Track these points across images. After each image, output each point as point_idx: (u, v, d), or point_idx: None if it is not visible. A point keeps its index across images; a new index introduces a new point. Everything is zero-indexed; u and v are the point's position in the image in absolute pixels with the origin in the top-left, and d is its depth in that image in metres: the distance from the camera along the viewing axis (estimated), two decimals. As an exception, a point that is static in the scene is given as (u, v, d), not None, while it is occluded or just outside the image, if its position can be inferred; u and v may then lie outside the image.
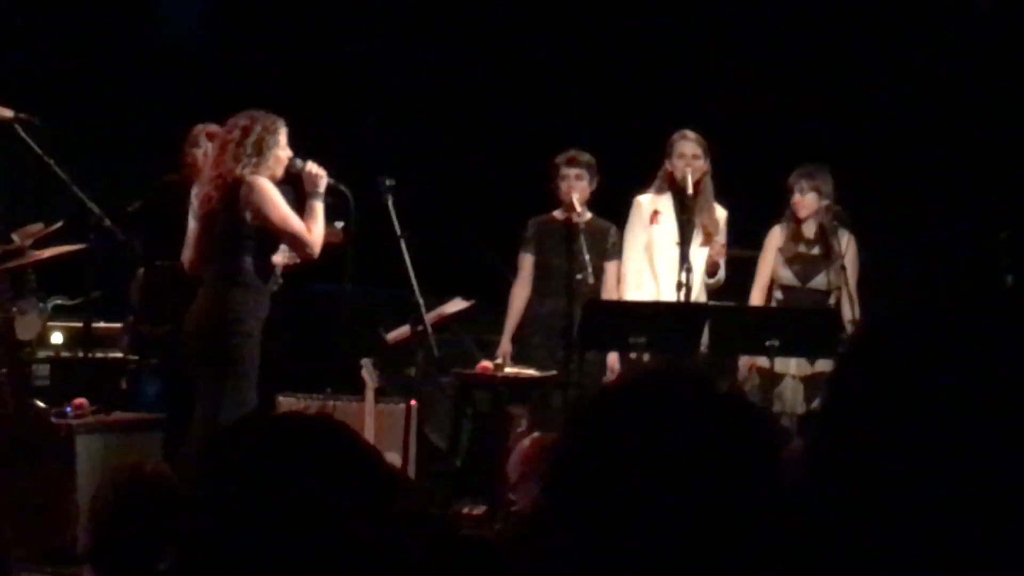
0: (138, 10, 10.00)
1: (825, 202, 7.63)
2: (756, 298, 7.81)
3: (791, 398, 7.62)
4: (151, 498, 3.66)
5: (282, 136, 6.43)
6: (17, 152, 6.69)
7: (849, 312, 7.59)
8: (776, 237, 7.80)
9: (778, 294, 7.80)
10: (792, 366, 7.61)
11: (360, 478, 2.04)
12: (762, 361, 7.52)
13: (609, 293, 7.82)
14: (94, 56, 9.44)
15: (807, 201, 7.63)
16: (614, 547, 1.52)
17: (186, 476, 4.05)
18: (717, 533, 1.53)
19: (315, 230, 6.47)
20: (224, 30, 10.32)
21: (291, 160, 6.48)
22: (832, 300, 7.66)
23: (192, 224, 6.55)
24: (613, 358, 7.75)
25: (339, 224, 7.00)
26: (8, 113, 6.55)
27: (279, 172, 6.46)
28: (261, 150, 6.35)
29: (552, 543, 1.56)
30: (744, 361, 7.66)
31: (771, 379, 7.58)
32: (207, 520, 1.92)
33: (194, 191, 6.52)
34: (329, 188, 6.59)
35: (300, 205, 6.55)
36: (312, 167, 6.53)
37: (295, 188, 6.66)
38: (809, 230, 7.68)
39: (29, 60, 9.07)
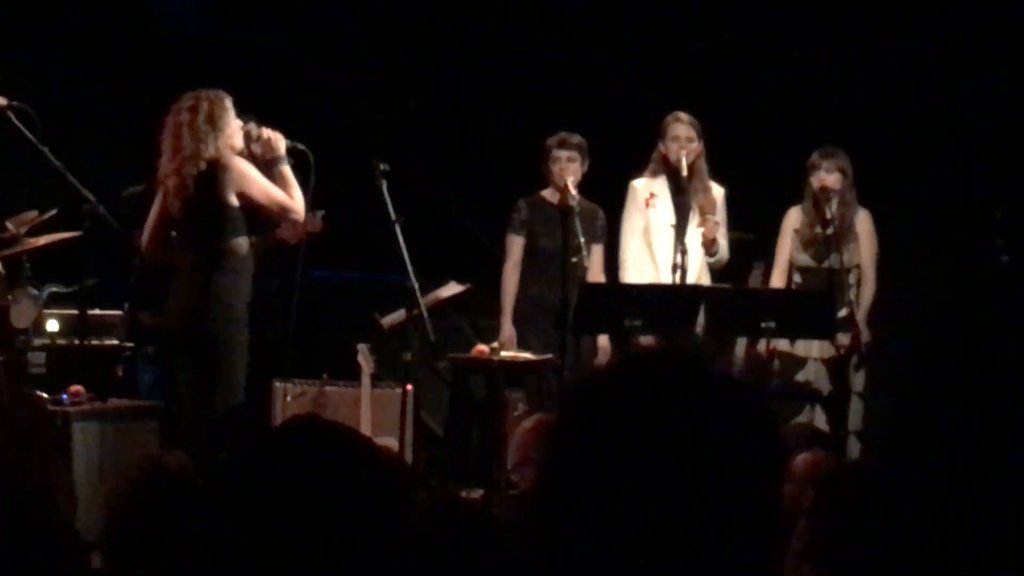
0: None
1: (848, 182, 7.60)
2: (777, 281, 7.77)
3: (815, 380, 7.60)
4: (170, 491, 3.64)
5: (230, 105, 6.36)
6: (11, 140, 6.67)
7: (868, 290, 7.60)
8: (793, 219, 7.75)
9: (797, 277, 7.75)
10: (815, 349, 7.59)
11: (369, 478, 2.04)
12: (783, 344, 7.51)
13: (595, 277, 7.78)
14: (88, 42, 9.41)
15: (832, 181, 7.56)
16: (610, 526, 1.52)
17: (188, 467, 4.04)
18: (714, 512, 1.53)
19: (295, 195, 6.42)
20: (220, 16, 10.30)
21: (246, 128, 6.43)
22: (852, 278, 7.60)
23: (154, 211, 6.50)
24: (605, 340, 7.74)
25: (319, 213, 6.94)
26: (1, 101, 6.53)
27: (240, 142, 6.40)
28: (215, 123, 6.29)
29: (549, 523, 1.56)
30: (763, 345, 7.50)
31: (794, 363, 7.58)
32: (218, 527, 1.91)
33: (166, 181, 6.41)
34: (288, 149, 6.52)
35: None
36: (268, 132, 6.47)
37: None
38: (829, 210, 7.55)
39: (22, 47, 9.04)
